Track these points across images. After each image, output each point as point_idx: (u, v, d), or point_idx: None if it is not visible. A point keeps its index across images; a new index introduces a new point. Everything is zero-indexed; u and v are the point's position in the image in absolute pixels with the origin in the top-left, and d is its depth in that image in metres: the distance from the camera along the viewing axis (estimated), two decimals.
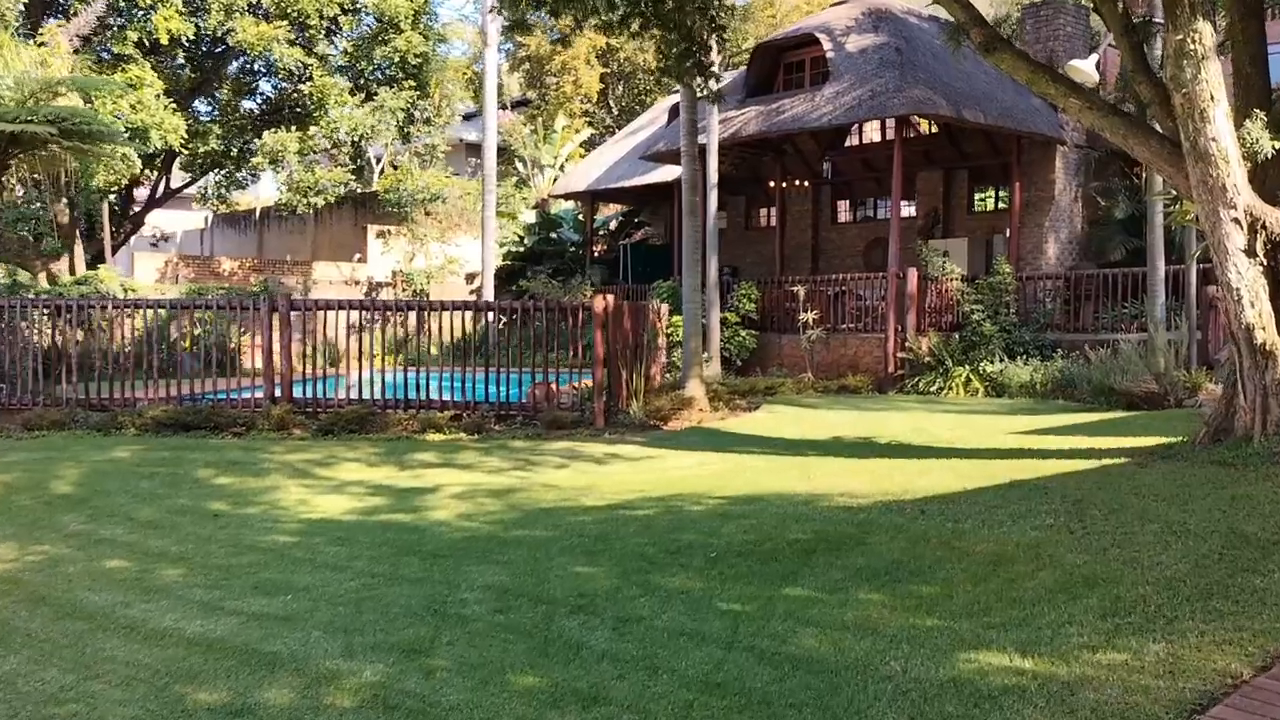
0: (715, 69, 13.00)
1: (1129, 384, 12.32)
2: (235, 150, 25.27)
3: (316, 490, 8.97)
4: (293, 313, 12.39)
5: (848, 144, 23.69)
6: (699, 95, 13.05)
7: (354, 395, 12.32)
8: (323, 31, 24.09)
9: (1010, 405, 13.88)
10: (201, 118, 25.52)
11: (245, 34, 22.49)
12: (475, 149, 37.58)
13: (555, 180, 28.34)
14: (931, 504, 7.13)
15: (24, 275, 21.19)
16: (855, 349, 17.13)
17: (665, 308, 17.75)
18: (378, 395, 12.30)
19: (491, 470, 9.50)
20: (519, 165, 30.85)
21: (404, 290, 24.54)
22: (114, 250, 29.08)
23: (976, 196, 22.63)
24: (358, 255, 30.95)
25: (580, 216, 27.13)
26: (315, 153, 25.05)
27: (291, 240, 36.47)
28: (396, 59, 24.26)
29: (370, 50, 24.16)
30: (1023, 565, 5.56)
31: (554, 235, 26.39)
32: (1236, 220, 7.70)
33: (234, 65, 26.05)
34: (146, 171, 27.37)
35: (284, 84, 25.21)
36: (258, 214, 36.62)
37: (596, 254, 27.18)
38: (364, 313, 12.84)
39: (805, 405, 14.10)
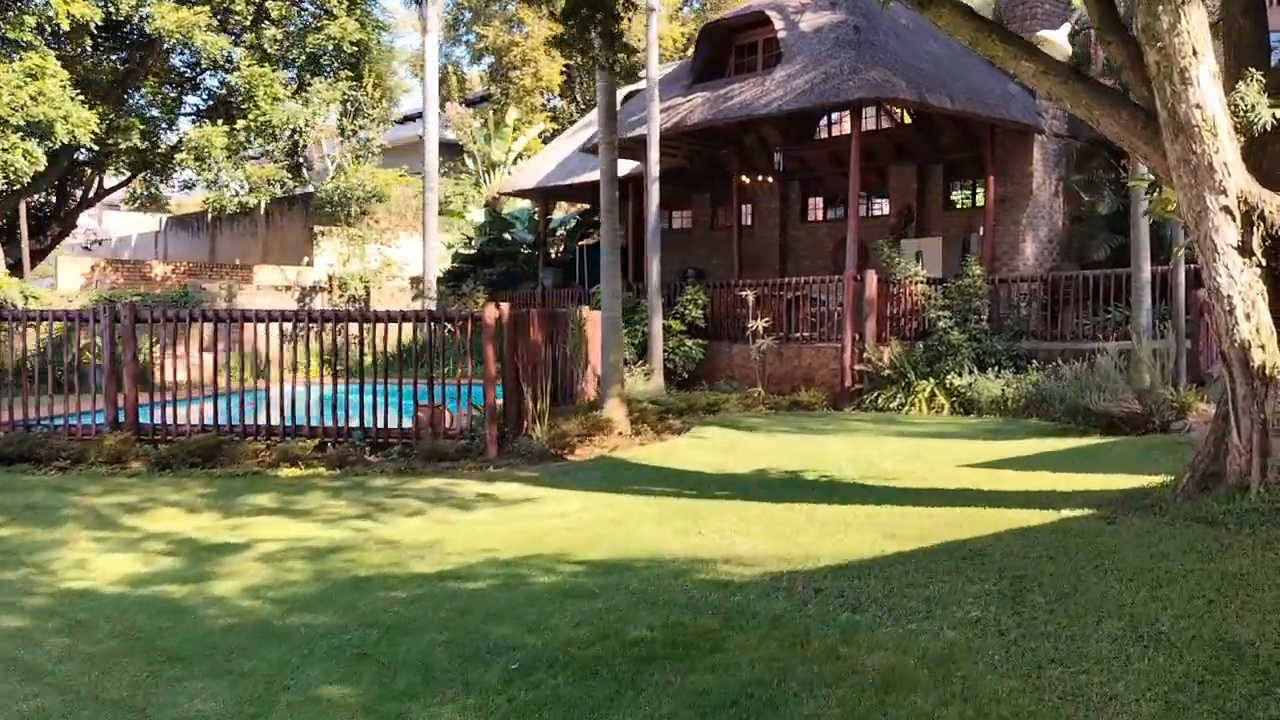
0: (627, 40, 11.41)
1: (1107, 404, 10.67)
2: (162, 146, 23.60)
3: (107, 546, 7.33)
4: (139, 324, 10.74)
5: (817, 136, 22.06)
6: (607, 70, 11.43)
7: (239, 419, 10.65)
8: (249, 17, 22.43)
9: (975, 426, 12.23)
10: (140, 113, 23.86)
11: (163, 20, 20.83)
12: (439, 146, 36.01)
13: (508, 177, 26.69)
14: (834, 578, 5.49)
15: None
16: (810, 360, 15.48)
17: (599, 314, 16.13)
18: (268, 418, 10.62)
19: (329, 519, 7.85)
20: (469, 162, 29.17)
21: (340, 295, 22.88)
22: (44, 254, 27.49)
23: (953, 192, 21.02)
24: (306, 259, 29.36)
25: (536, 216, 25.50)
26: (250, 149, 23.37)
27: (244, 243, 34.88)
28: (330, 47, 22.60)
29: (302, 38, 22.49)
30: (923, 694, 3.92)
31: (507, 236, 24.73)
32: (1227, 209, 6.06)
33: (179, 58, 24.42)
34: (90, 171, 25.76)
35: (229, 77, 23.53)
36: (209, 216, 35.11)
37: (554, 255, 25.57)
38: (229, 324, 11.16)
39: (743, 427, 12.45)
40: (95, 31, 20.90)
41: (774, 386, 15.61)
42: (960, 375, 14.06)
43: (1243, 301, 6.09)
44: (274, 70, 22.49)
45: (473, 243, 24.31)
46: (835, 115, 21.79)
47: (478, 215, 26.03)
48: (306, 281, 25.70)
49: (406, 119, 31.23)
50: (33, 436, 10.10)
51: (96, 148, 21.77)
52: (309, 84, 22.91)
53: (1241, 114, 6.16)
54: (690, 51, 32.86)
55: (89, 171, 26.21)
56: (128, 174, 26.66)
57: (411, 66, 33.86)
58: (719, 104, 16.45)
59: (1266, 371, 6.04)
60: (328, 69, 23.21)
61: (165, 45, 22.55)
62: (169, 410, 10.64)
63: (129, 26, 22.19)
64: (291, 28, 22.71)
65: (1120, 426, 10.73)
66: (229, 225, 34.80)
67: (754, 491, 8.28)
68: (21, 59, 19.14)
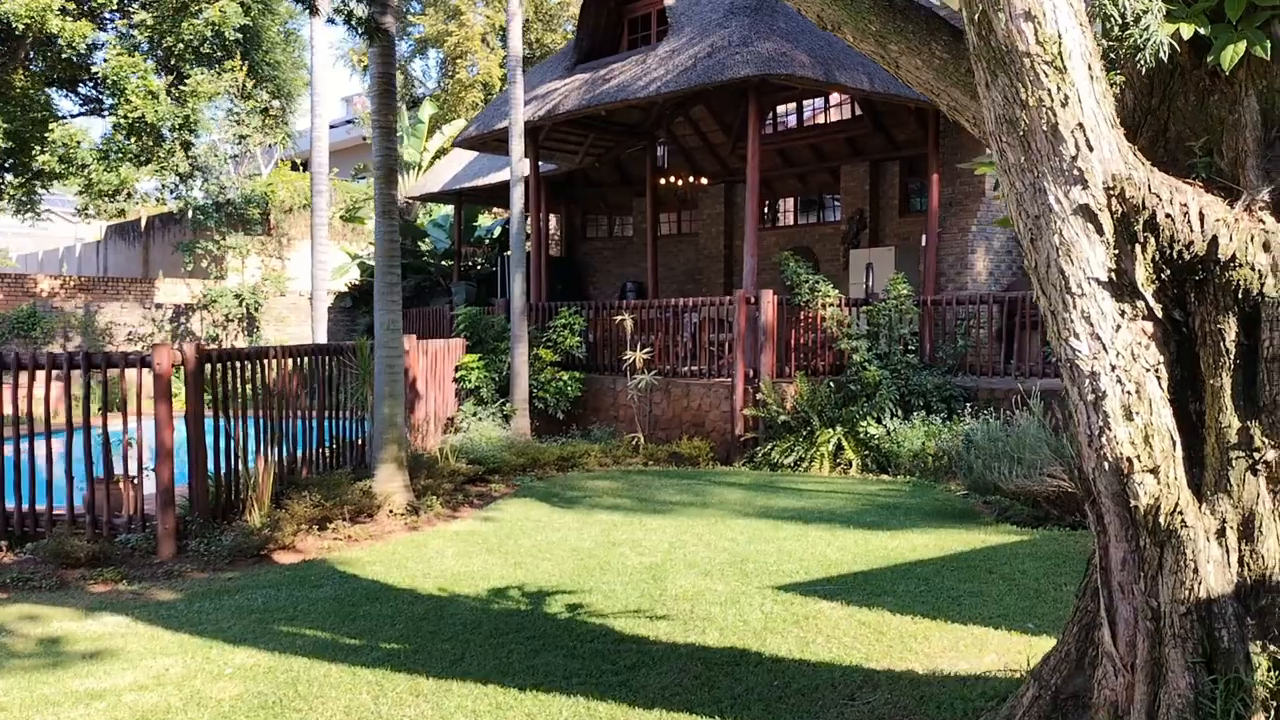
0: None
1: (1025, 479, 7.77)
2: (35, 148, 21.10)
3: None
4: None
5: (765, 131, 19.27)
6: (359, 29, 8.72)
7: None
8: (115, 1, 19.92)
9: (869, 498, 9.34)
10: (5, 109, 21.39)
11: (11, 3, 18.34)
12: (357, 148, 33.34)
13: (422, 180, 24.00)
14: None
15: None
16: (700, 400, 12.60)
17: (460, 343, 13.40)
18: None
19: None
20: None
21: (219, 315, 20.23)
22: None
23: (912, 195, 18.11)
24: (216, 272, 26.89)
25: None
26: (128, 149, 20.76)
27: (176, 254, 32.62)
28: (210, 34, 20.02)
29: (177, 23, 19.92)
30: None
31: (422, 246, 22.04)
32: (1086, 211, 3.22)
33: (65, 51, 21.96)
34: None
35: (95, 69, 21.00)
36: (143, 224, 32.86)
37: (477, 266, 22.85)
38: None
39: (564, 500, 9.62)
40: None
41: (661, 431, 12.79)
42: (879, 421, 11.20)
43: (1118, 385, 3.22)
44: (145, 60, 19.98)
45: (370, 255, 21.62)
46: (784, 106, 19.05)
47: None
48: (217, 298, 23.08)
49: (348, 123, 28.75)
50: None
51: None
52: (187, 76, 20.34)
53: (1114, 32, 3.31)
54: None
55: None
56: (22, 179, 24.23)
57: (352, 60, 31.24)
58: (596, 87, 13.62)
59: (1162, 519, 3.18)
60: (210, 59, 20.63)
61: (17, 31, 20.10)
62: None
63: None
64: (166, 13, 20.15)
65: (1047, 509, 7.84)
66: (161, 234, 32.55)
67: (433, 645, 5.46)
68: None
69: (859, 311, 12.31)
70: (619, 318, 13.16)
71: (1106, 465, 3.26)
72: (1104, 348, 3.24)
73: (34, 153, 21.02)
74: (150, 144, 20.42)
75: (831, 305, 12.12)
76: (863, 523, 8.20)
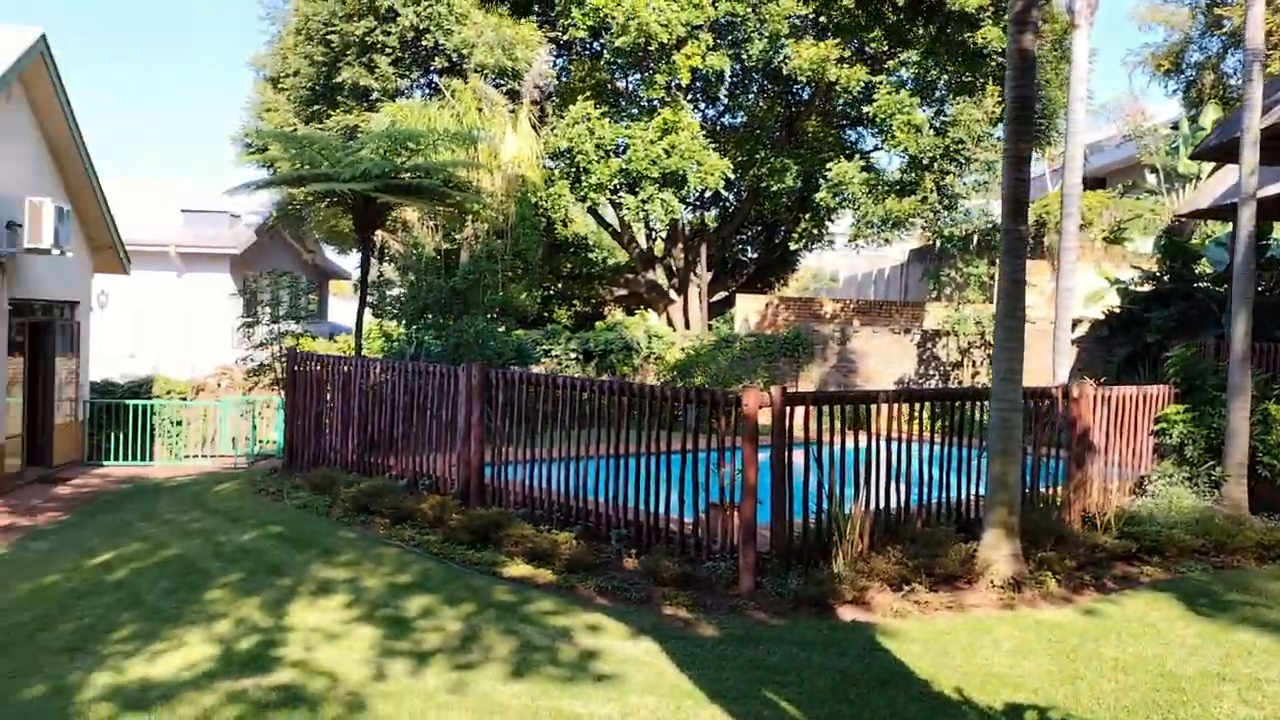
0: None
1: None
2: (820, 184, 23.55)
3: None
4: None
5: None
6: None
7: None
8: (885, 44, 21.15)
9: None
10: (797, 153, 24.25)
11: (800, 59, 20.71)
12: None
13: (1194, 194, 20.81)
14: None
15: (633, 320, 22.46)
16: None
17: (1162, 390, 11.65)
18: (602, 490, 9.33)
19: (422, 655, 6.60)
20: (1151, 177, 23.40)
21: (963, 342, 20.16)
22: (759, 290, 29.46)
23: None
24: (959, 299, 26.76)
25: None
26: (890, 183, 21.93)
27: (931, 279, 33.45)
28: (966, 61, 20.21)
29: (940, 59, 20.45)
30: None
31: (1199, 268, 19.37)
32: None
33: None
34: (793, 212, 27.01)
35: (867, 109, 22.59)
36: (936, 249, 34.52)
37: (1266, 291, 19.31)
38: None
39: (1215, 606, 7.63)
40: (732, 79, 21.74)
41: None
42: None
43: None
44: (911, 96, 20.90)
45: (1132, 280, 19.52)
46: None
47: (1143, 245, 20.84)
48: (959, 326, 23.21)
49: (1125, 139, 26.68)
50: (388, 487, 10.57)
51: (721, 190, 22.57)
52: (948, 104, 20.80)
53: None
54: None
55: (792, 214, 27.34)
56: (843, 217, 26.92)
57: (1160, 63, 28.66)
58: None
59: None
60: (971, 88, 20.78)
61: (802, 83, 22.38)
62: (514, 472, 10.20)
63: (762, 70, 22.58)
64: (930, 48, 20.82)
65: None
66: (946, 260, 33.78)
67: None
68: (656, 116, 20.69)
69: None
70: None
71: None
72: None
73: (817, 190, 23.49)
74: (913, 176, 21.33)
75: None
76: None
